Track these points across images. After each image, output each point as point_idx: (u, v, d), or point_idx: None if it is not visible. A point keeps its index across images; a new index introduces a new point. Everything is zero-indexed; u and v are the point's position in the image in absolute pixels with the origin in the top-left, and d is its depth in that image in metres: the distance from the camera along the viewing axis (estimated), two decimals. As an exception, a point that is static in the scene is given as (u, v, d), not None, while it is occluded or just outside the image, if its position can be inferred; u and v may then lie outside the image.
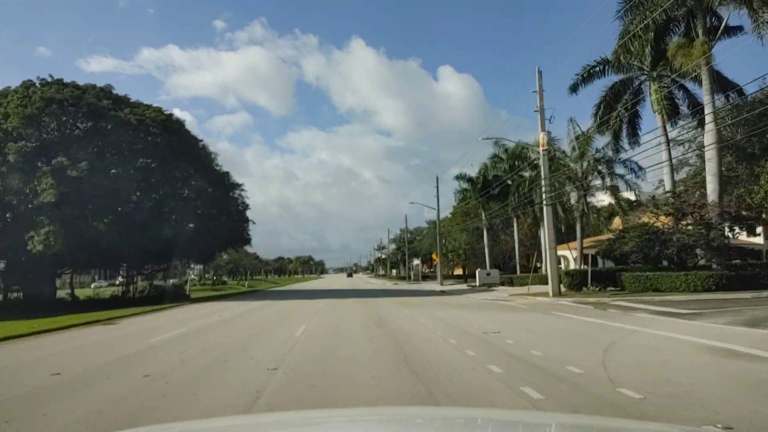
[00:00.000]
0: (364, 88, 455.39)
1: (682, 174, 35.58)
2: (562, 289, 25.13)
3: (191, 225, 34.33)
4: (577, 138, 31.62)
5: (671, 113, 27.26)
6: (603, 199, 40.70)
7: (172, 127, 33.91)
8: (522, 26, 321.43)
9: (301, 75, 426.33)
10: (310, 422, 2.79)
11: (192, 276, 67.81)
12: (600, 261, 34.00)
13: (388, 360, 8.77)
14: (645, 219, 28.66)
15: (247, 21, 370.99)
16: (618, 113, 28.11)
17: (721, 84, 25.22)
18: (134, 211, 29.87)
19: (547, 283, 25.02)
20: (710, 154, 23.73)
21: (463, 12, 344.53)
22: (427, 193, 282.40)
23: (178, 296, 33.86)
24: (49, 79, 30.82)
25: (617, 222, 39.67)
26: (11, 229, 28.19)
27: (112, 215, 28.63)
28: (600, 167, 31.71)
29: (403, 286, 54.11)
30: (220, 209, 36.32)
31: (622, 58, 25.88)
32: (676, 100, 27.92)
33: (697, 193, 27.09)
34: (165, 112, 34.43)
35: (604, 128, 28.61)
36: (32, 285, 30.60)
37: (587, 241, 34.36)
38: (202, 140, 37.96)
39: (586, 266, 28.11)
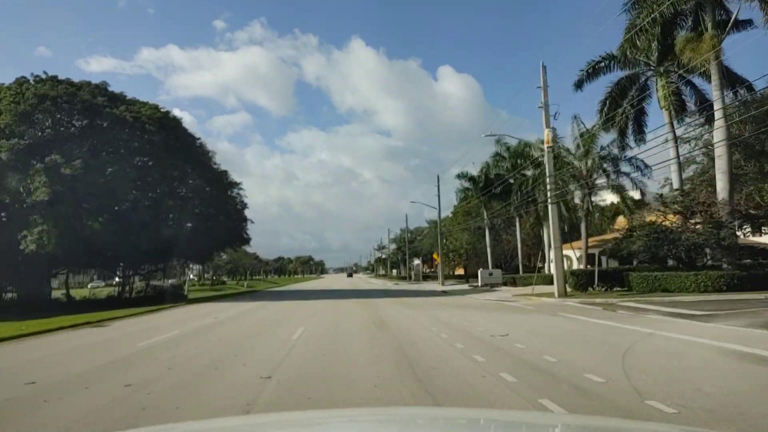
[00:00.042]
0: (364, 88, 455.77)
1: (688, 172, 34.97)
2: (568, 289, 24.46)
3: (189, 224, 33.61)
4: (581, 135, 31.05)
5: (679, 109, 26.63)
6: (605, 198, 40.08)
7: (169, 124, 33.28)
8: (522, 26, 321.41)
9: (301, 75, 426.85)
10: (310, 422, 2.74)
11: (191, 276, 67.34)
12: (604, 261, 33.35)
13: (391, 367, 8.15)
14: (652, 218, 28.04)
15: (246, 21, 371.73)
16: (624, 110, 27.50)
17: (730, 79, 24.62)
18: (130, 210, 29.18)
19: (550, 283, 24.42)
20: (720, 151, 23.09)
21: (463, 12, 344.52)
22: (428, 192, 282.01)
23: (176, 296, 33.33)
24: (43, 76, 30.24)
25: (622, 221, 38.99)
26: (5, 229, 27.63)
27: (107, 214, 27.96)
28: (605, 165, 31.13)
29: (404, 286, 53.48)
30: (219, 208, 35.72)
31: (628, 53, 25.28)
32: (684, 97, 27.32)
33: (704, 191, 26.47)
34: (161, 110, 33.82)
35: (609, 125, 28.04)
36: (27, 285, 30.04)
37: (591, 241, 33.73)
38: (199, 138, 37.42)
39: (591, 266, 27.46)
